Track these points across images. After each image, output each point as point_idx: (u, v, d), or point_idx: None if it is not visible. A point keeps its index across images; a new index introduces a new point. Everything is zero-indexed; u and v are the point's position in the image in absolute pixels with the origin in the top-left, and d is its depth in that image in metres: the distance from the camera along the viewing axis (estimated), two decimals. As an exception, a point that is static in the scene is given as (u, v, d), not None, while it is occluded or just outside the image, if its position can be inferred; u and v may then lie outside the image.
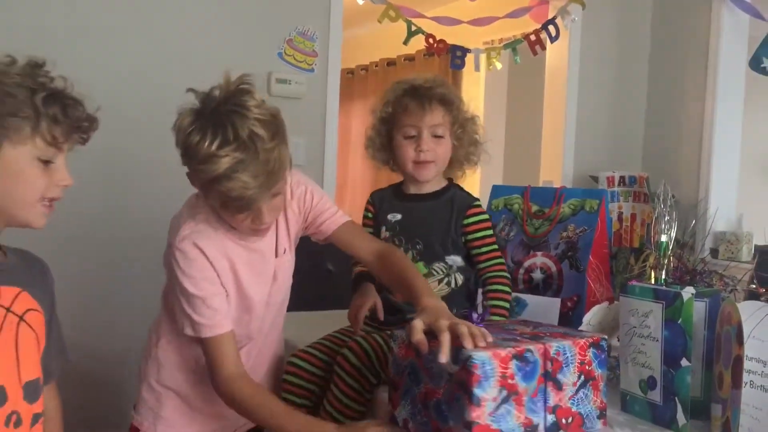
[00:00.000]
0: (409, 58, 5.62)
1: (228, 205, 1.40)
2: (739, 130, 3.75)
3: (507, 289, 1.74)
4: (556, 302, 1.85)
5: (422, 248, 1.76)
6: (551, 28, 3.69)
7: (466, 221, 1.76)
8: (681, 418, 1.36)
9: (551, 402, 1.29)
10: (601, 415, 1.36)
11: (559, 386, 1.30)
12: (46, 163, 1.18)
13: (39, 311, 1.22)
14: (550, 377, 1.29)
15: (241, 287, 1.57)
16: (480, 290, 1.80)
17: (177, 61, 2.99)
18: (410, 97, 1.76)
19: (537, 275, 1.92)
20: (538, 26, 3.74)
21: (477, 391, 1.20)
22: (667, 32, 3.96)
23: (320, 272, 2.74)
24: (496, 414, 1.22)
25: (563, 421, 1.31)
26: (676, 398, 1.36)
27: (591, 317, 1.59)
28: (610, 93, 4.00)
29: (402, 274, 1.53)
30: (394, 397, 1.40)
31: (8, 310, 1.16)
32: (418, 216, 1.79)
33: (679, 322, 1.36)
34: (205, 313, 1.48)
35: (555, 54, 3.94)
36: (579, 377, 1.33)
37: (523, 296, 1.89)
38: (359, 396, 1.58)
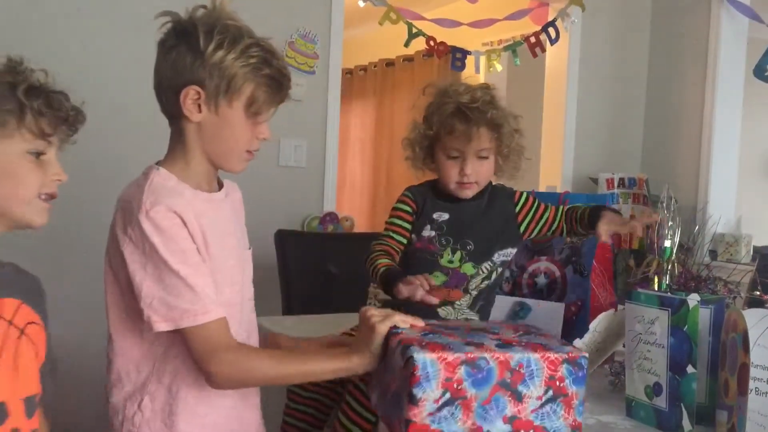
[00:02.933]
0: (408, 59, 5.62)
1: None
2: (738, 131, 3.76)
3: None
4: (560, 307, 1.86)
5: (473, 248, 1.73)
6: (551, 30, 3.70)
7: (517, 209, 1.78)
8: (686, 423, 1.37)
9: (508, 412, 1.26)
10: None
11: (518, 397, 1.26)
12: (38, 156, 1.14)
13: (39, 324, 1.18)
14: (509, 387, 1.26)
15: (210, 248, 1.30)
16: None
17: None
18: (458, 119, 1.67)
19: (541, 280, 1.93)
20: (537, 28, 3.75)
21: (415, 391, 1.21)
22: (666, 34, 3.97)
23: (321, 274, 2.74)
24: (436, 415, 1.22)
25: None
26: (682, 404, 1.37)
27: (597, 324, 1.60)
28: (610, 94, 4.02)
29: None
30: (369, 381, 1.41)
31: (10, 323, 1.11)
32: (467, 215, 1.75)
33: (684, 329, 1.37)
34: (185, 295, 1.23)
35: (554, 56, 3.95)
36: (546, 392, 1.27)
37: (527, 301, 1.90)
38: (366, 422, 1.60)
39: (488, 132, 1.68)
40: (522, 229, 1.78)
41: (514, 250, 1.78)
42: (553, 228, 1.78)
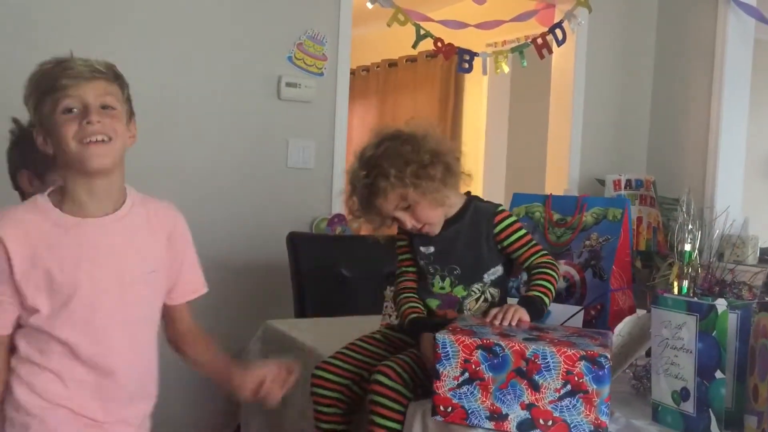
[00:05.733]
0: (411, 59, 5.62)
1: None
2: (745, 133, 3.76)
3: (552, 272, 1.72)
4: (580, 311, 1.86)
5: (460, 273, 1.76)
6: (558, 31, 3.69)
7: (496, 229, 1.75)
8: (715, 429, 1.37)
9: (525, 399, 1.37)
10: None
11: (535, 387, 1.36)
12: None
13: None
14: (525, 376, 1.36)
15: (51, 273, 1.36)
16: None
17: (187, 64, 2.98)
18: (365, 197, 1.71)
19: (560, 284, 1.92)
20: (540, 29, 3.74)
21: (438, 366, 1.42)
22: (672, 36, 3.97)
23: (334, 277, 2.74)
24: (457, 391, 1.40)
25: (540, 421, 1.36)
26: (710, 409, 1.37)
27: (622, 328, 1.60)
28: (616, 96, 4.02)
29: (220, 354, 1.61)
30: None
31: None
32: (449, 242, 1.77)
33: (713, 334, 1.37)
34: None
35: (561, 57, 3.95)
36: (564, 385, 1.35)
37: (546, 304, 1.90)
38: (399, 415, 1.59)
39: (382, 198, 1.68)
40: (500, 249, 1.77)
41: (500, 268, 1.78)
42: (523, 267, 1.78)
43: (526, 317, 1.58)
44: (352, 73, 6.05)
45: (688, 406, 1.41)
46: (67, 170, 1.40)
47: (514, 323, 1.55)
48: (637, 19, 4.02)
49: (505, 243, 1.76)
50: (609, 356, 1.35)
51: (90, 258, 1.39)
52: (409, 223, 1.72)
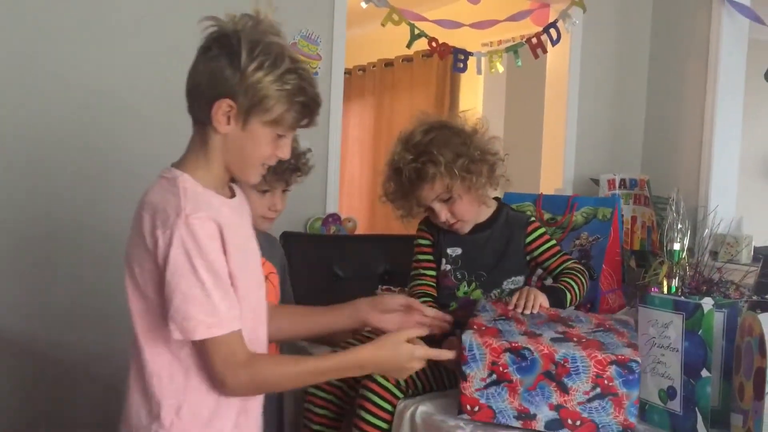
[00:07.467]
0: (408, 59, 5.62)
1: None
2: (739, 132, 3.76)
3: (581, 276, 1.73)
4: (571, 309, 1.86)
5: (486, 278, 1.77)
6: (552, 31, 3.70)
7: (528, 239, 1.78)
8: (701, 427, 1.38)
9: (554, 401, 1.38)
10: None
11: (564, 389, 1.38)
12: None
13: (275, 273, 1.83)
14: (554, 379, 1.38)
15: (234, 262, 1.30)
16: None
17: (181, 63, 2.98)
18: (407, 182, 1.72)
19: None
20: (535, 29, 3.75)
21: (465, 368, 1.42)
22: (667, 36, 3.97)
23: (328, 278, 2.74)
24: (484, 392, 1.41)
25: (569, 421, 1.38)
26: (696, 408, 1.38)
27: (609, 327, 1.60)
28: (611, 95, 4.02)
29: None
30: None
31: None
32: (478, 247, 1.78)
33: (699, 333, 1.37)
34: (204, 306, 1.21)
35: (555, 57, 3.95)
36: (593, 388, 1.37)
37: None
38: (387, 414, 1.60)
39: (429, 184, 1.68)
40: (529, 259, 1.80)
41: (522, 278, 1.80)
42: (553, 275, 1.80)
43: (546, 303, 1.60)
44: (349, 72, 6.09)
45: (675, 405, 1.42)
46: (227, 162, 1.34)
47: (535, 310, 1.56)
48: (632, 18, 4.02)
49: (535, 253, 1.79)
50: (640, 361, 1.36)
51: (249, 237, 1.40)
52: (444, 215, 1.72)
